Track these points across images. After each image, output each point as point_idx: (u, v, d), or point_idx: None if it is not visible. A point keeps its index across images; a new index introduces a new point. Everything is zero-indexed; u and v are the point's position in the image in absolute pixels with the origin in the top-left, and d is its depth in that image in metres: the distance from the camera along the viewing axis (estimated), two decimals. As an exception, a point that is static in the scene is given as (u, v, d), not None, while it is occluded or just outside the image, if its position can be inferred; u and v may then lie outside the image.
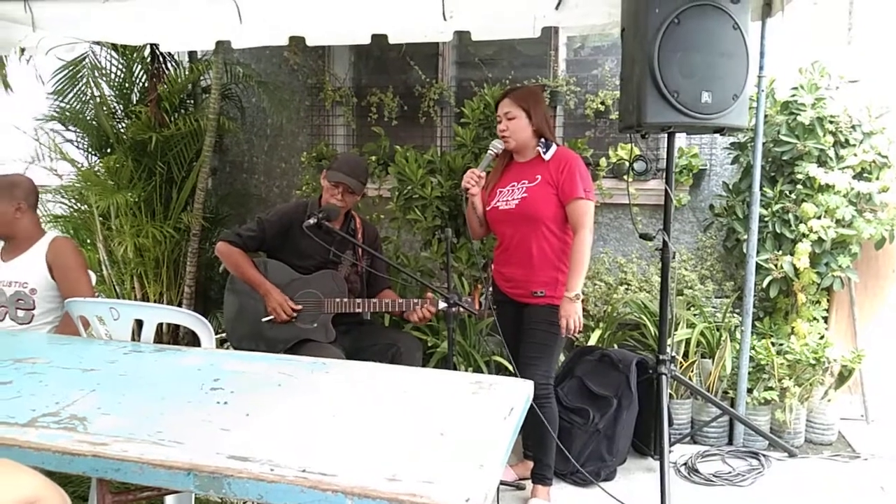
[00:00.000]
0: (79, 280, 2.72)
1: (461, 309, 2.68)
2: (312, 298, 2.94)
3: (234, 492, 1.26)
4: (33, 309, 2.72)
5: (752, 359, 3.42)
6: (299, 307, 2.92)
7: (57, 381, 1.77)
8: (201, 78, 4.46)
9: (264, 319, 2.94)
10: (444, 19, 3.09)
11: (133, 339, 2.39)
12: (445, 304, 2.65)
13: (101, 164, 4.27)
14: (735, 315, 3.61)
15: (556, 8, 3.04)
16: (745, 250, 3.43)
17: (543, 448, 2.83)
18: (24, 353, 2.01)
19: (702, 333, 3.55)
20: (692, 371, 3.49)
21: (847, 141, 3.53)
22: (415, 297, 3.85)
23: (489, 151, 2.81)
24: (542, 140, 2.78)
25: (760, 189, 3.36)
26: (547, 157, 2.75)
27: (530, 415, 2.76)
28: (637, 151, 3.97)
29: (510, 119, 2.76)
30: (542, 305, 2.73)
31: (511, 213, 2.77)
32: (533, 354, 2.75)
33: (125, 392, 1.71)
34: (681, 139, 3.96)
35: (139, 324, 2.42)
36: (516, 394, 1.68)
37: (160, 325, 3.89)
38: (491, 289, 2.88)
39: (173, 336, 4.24)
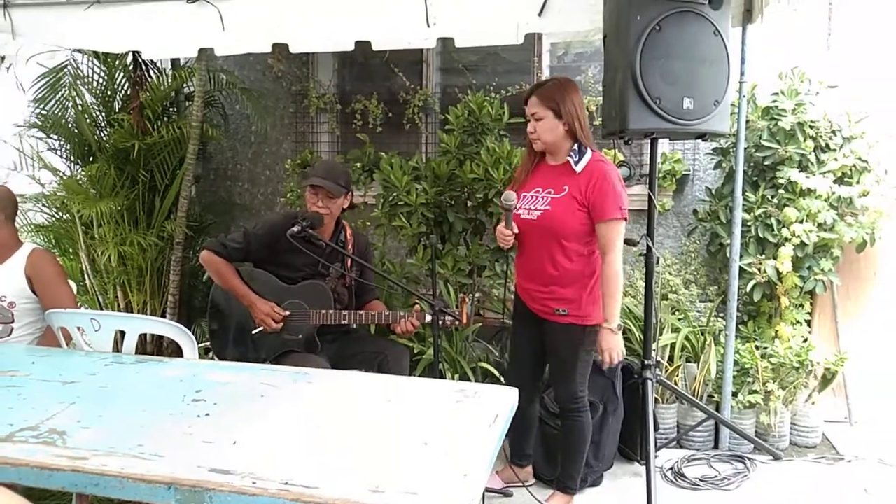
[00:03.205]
0: (59, 292, 2.67)
1: (448, 322, 2.67)
2: (298, 309, 2.92)
3: (216, 505, 1.24)
4: (12, 322, 2.67)
5: (736, 363, 3.44)
6: (287, 313, 2.90)
7: (36, 395, 1.75)
8: (184, 85, 4.43)
9: (254, 332, 2.91)
10: (428, 26, 3.08)
11: (115, 350, 2.36)
12: (430, 318, 2.63)
13: (83, 173, 4.23)
14: (719, 319, 3.63)
15: (540, 14, 3.04)
16: (728, 255, 3.45)
17: (570, 458, 2.78)
18: (3, 365, 1.99)
19: (686, 338, 3.56)
20: (677, 375, 3.50)
21: (827, 146, 3.57)
22: (400, 303, 3.85)
23: (507, 209, 2.59)
24: (577, 145, 2.56)
25: (743, 194, 3.39)
26: (578, 168, 2.52)
27: (560, 425, 2.78)
28: (620, 157, 3.98)
29: (537, 120, 2.56)
30: (564, 324, 2.60)
31: (531, 224, 2.60)
32: (560, 374, 2.70)
33: (106, 405, 1.69)
34: (664, 144, 3.99)
35: (122, 334, 2.39)
36: (501, 401, 1.68)
37: (143, 334, 3.86)
38: (475, 296, 2.84)
39: (157, 346, 4.20)
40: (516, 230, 2.63)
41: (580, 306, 2.58)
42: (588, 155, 2.57)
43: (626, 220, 2.52)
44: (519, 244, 2.71)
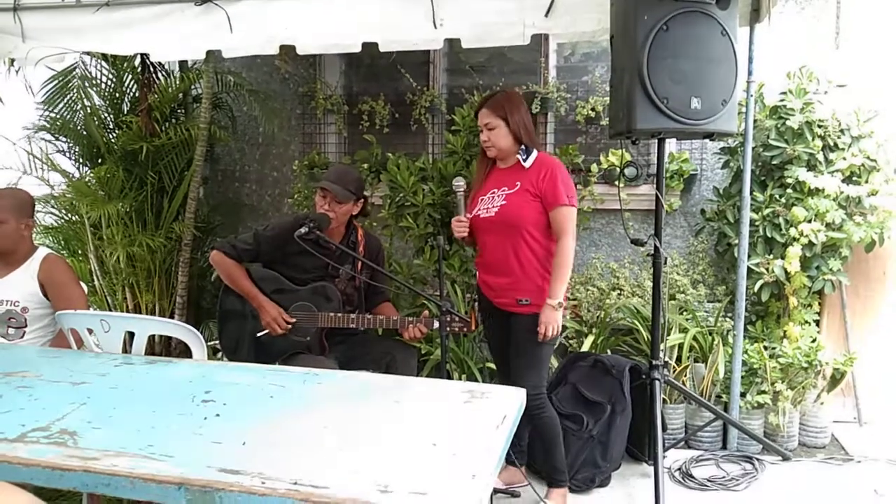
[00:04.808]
0: (72, 296, 2.70)
1: (456, 329, 2.68)
2: (306, 311, 2.92)
3: (226, 505, 1.25)
4: (25, 326, 2.70)
5: (744, 363, 3.43)
6: (293, 320, 2.91)
7: (47, 395, 1.76)
8: (192, 87, 4.45)
9: (259, 334, 2.92)
10: (435, 27, 3.09)
11: (124, 351, 2.38)
12: (438, 325, 2.63)
13: (91, 175, 4.25)
14: (727, 319, 3.62)
15: (546, 15, 3.05)
16: (736, 254, 3.44)
17: (549, 454, 2.82)
18: (14, 366, 2.00)
19: (694, 338, 3.55)
20: (685, 376, 3.50)
21: (836, 145, 3.55)
22: (407, 304, 3.85)
23: (457, 193, 2.82)
24: (522, 147, 2.76)
25: (751, 193, 3.38)
26: (527, 164, 2.73)
27: (531, 425, 2.78)
28: (628, 157, 3.98)
29: (490, 129, 2.76)
30: (526, 315, 2.70)
31: (491, 221, 2.75)
32: (522, 365, 2.74)
33: (116, 405, 1.70)
34: (671, 144, 3.98)
35: (131, 335, 2.41)
36: (509, 402, 1.68)
37: (152, 335, 3.88)
38: (475, 295, 2.87)
39: (166, 346, 4.22)
40: (469, 216, 2.81)
41: (541, 296, 2.68)
42: (534, 153, 2.77)
43: (574, 206, 2.70)
44: (480, 245, 2.86)
